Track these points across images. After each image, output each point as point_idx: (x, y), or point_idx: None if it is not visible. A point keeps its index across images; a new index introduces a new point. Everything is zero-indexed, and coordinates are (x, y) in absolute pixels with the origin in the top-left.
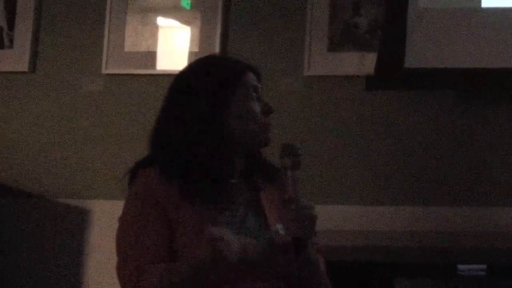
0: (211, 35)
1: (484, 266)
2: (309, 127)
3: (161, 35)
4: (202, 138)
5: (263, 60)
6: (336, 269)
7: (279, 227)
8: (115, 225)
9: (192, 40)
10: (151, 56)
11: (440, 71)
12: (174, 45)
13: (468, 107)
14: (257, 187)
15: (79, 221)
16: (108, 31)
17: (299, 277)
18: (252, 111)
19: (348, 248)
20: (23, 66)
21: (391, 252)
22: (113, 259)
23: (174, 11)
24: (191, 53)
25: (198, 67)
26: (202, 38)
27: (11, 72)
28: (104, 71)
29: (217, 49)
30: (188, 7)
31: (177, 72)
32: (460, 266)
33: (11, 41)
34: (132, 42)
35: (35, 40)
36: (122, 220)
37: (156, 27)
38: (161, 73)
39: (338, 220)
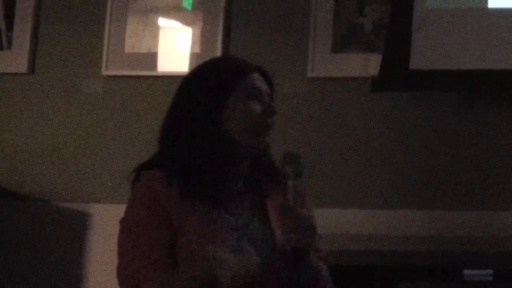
0: (213, 36)
1: (490, 271)
2: (313, 130)
3: (162, 36)
4: (203, 140)
5: (265, 61)
6: (340, 274)
7: (279, 234)
8: (116, 229)
9: (193, 41)
10: (152, 58)
11: (446, 73)
12: (175, 46)
13: (475, 109)
14: (263, 192)
15: (79, 224)
16: (108, 31)
17: (299, 286)
18: (249, 112)
19: (353, 252)
20: (22, 67)
21: (396, 256)
22: (114, 263)
23: (175, 11)
24: (192, 55)
25: (202, 68)
26: (204, 39)
27: (9, 74)
28: (104, 72)
29: (219, 50)
30: (189, 8)
31: (178, 74)
32: (466, 271)
33: (9, 42)
34: (132, 43)
35: (34, 41)
36: (124, 222)
37: (157, 28)
38: (162, 74)
39: (342, 223)
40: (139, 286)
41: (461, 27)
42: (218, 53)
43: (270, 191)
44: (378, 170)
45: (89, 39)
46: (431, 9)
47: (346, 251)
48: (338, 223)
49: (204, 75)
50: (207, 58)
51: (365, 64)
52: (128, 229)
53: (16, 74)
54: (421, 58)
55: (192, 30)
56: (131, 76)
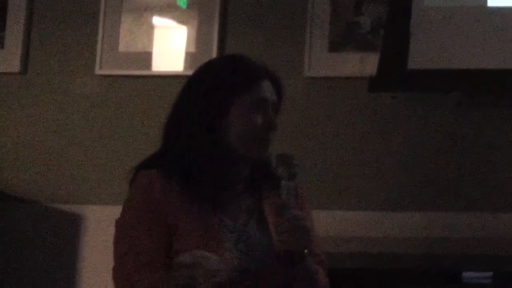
0: (209, 35)
1: (489, 274)
2: (310, 130)
3: (157, 35)
4: (201, 144)
5: (262, 60)
6: (338, 276)
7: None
8: (110, 231)
9: (188, 40)
10: (146, 57)
11: (445, 72)
12: (170, 45)
13: (474, 109)
14: (261, 195)
15: (72, 227)
16: (102, 30)
17: None
18: (250, 123)
19: (351, 254)
20: (14, 67)
21: (395, 259)
22: (108, 266)
23: (170, 10)
24: (187, 54)
25: (209, 69)
26: (199, 38)
27: (1, 73)
28: (98, 72)
29: (214, 50)
30: (184, 6)
31: (173, 74)
32: (465, 273)
33: (2, 41)
34: (126, 42)
35: (27, 40)
36: (120, 222)
37: (151, 27)
38: (157, 74)
39: (340, 226)
40: (133, 286)
41: (461, 26)
42: (214, 52)
43: (268, 193)
44: (375, 171)
45: (83, 38)
46: (430, 7)
47: (344, 253)
48: (334, 225)
49: (210, 78)
50: (203, 58)
51: (363, 64)
52: (123, 230)
53: (8, 73)
54: (419, 58)
55: (187, 29)
56: (125, 76)
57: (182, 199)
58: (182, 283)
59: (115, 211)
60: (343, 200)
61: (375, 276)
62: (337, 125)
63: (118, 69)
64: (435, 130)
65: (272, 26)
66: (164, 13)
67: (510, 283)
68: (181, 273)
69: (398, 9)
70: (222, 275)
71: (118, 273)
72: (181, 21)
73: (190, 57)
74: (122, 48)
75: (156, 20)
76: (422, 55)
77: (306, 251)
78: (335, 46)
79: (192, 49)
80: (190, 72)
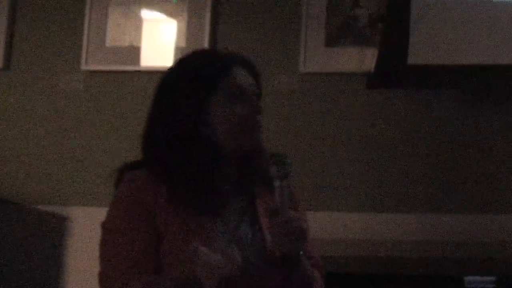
0: (199, 29)
1: (493, 278)
2: (305, 128)
3: (146, 29)
4: (187, 142)
5: (255, 55)
6: (337, 280)
7: (269, 237)
8: (96, 233)
9: (178, 34)
10: (134, 52)
11: (446, 68)
12: (159, 40)
13: (476, 106)
14: (253, 194)
15: (56, 229)
16: (88, 24)
17: None
18: (233, 114)
19: (349, 258)
20: None
21: (395, 263)
22: (94, 270)
23: (159, 2)
24: (177, 48)
25: (181, 64)
26: (190, 32)
27: None
28: (84, 67)
29: (205, 44)
30: None
31: (163, 69)
32: (467, 278)
33: None
34: (114, 36)
35: (10, 34)
36: (106, 225)
37: (140, 20)
38: (146, 69)
39: (336, 228)
40: None
41: (462, 20)
42: (205, 46)
43: (260, 192)
44: (374, 171)
45: (68, 31)
46: (430, 1)
47: (341, 257)
48: (330, 227)
49: (183, 72)
50: None
51: (361, 59)
52: (110, 232)
53: None
54: (419, 53)
55: (177, 23)
56: (112, 71)
57: (169, 200)
58: (184, 280)
59: (102, 212)
60: (338, 200)
61: (375, 281)
62: (334, 123)
63: (105, 65)
64: (436, 128)
65: (266, 19)
66: (153, 6)
67: None
68: (182, 270)
69: (398, 2)
70: (225, 272)
71: (107, 276)
72: (171, 14)
73: (180, 52)
74: (109, 42)
75: (145, 13)
76: (422, 50)
77: (301, 253)
78: (332, 40)
79: (182, 44)
80: None
